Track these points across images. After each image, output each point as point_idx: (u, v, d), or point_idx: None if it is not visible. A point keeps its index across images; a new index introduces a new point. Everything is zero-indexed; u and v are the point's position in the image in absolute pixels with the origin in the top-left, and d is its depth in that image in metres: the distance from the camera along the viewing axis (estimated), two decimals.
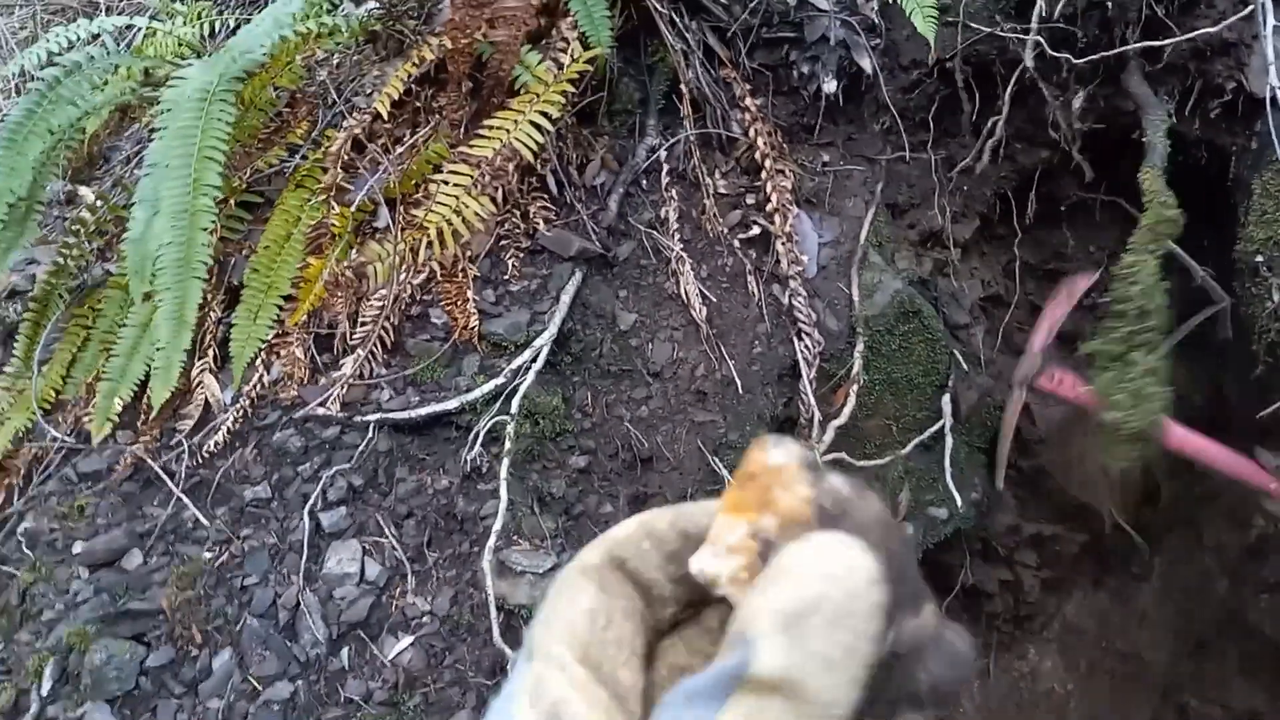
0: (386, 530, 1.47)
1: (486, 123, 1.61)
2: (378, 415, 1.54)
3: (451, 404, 1.53)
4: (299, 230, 1.66)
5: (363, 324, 1.61)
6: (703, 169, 1.82)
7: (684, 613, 0.39)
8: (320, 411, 1.55)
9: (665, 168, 1.81)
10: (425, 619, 1.41)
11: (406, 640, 1.39)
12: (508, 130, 1.58)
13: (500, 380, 1.55)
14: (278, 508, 1.51)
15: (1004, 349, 2.16)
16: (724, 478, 1.66)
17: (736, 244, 1.81)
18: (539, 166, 1.69)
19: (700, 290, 1.74)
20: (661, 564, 0.38)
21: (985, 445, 2.05)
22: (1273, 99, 1.54)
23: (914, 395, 1.87)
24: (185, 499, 1.53)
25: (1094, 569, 2.47)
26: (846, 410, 1.76)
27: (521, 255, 1.68)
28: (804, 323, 1.76)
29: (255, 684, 1.36)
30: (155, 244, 1.44)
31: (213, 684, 1.36)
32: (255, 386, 1.61)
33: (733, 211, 1.84)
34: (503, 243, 1.68)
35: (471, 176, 1.58)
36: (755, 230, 1.82)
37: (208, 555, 1.47)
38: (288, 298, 1.64)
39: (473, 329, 1.58)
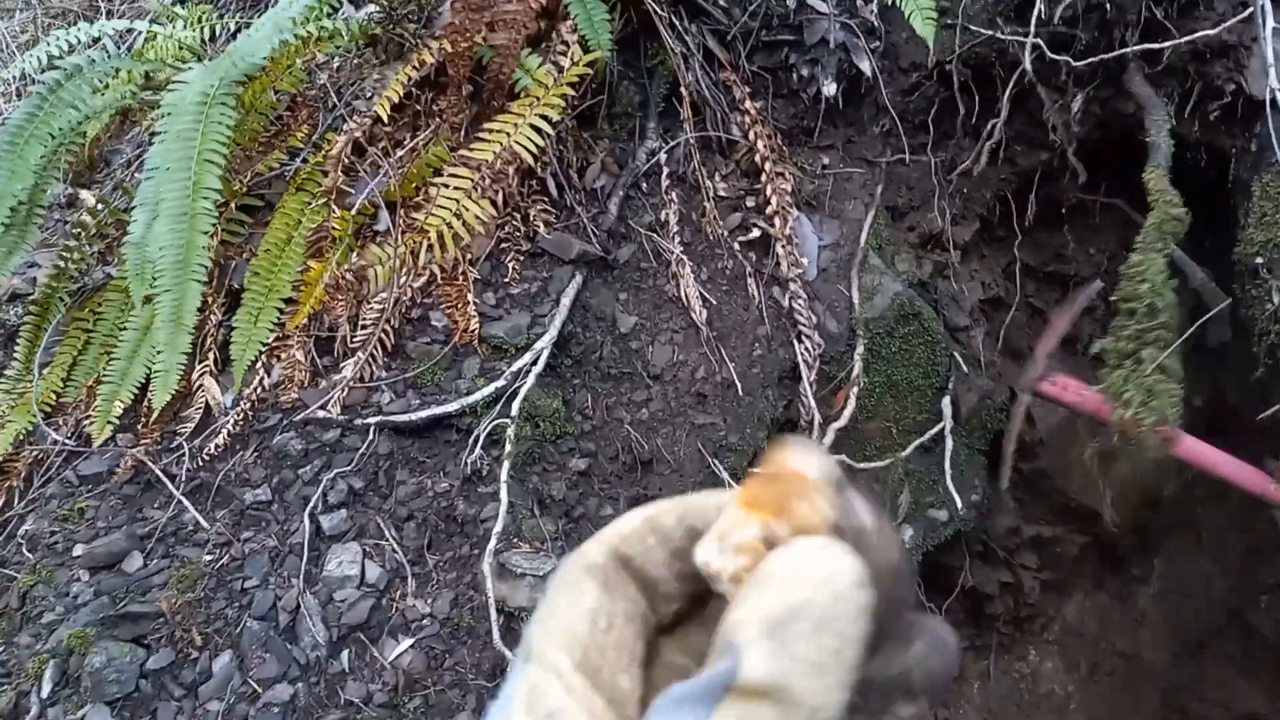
0: (387, 533, 1.47)
1: (487, 126, 1.61)
2: (378, 418, 1.54)
3: (452, 407, 1.53)
4: (299, 233, 1.66)
5: (363, 327, 1.61)
6: (703, 172, 1.83)
7: (688, 606, 0.39)
8: (321, 414, 1.55)
9: (665, 170, 1.81)
10: (425, 621, 1.41)
11: (407, 643, 1.39)
12: (508, 133, 1.58)
13: (500, 383, 1.55)
14: (278, 510, 1.51)
15: (1004, 351, 2.16)
16: (724, 480, 1.66)
17: (736, 246, 1.81)
18: (539, 169, 1.70)
19: (700, 293, 1.75)
20: (668, 561, 0.38)
21: (985, 447, 2.05)
22: (1272, 101, 1.54)
23: (914, 397, 1.87)
24: (186, 502, 1.53)
25: (1094, 571, 2.48)
26: (847, 412, 1.77)
27: (522, 258, 1.68)
28: (804, 325, 1.76)
29: (255, 686, 1.36)
30: (155, 247, 1.45)
31: (213, 686, 1.36)
32: (256, 389, 1.61)
33: (733, 214, 1.84)
34: (503, 246, 1.68)
35: (472, 180, 1.58)
36: (755, 233, 1.82)
37: (208, 558, 1.47)
38: (288, 301, 1.64)
39: (473, 332, 1.59)
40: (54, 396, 1.73)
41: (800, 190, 1.86)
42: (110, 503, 1.57)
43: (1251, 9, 1.61)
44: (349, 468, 1.52)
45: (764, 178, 1.80)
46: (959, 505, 1.87)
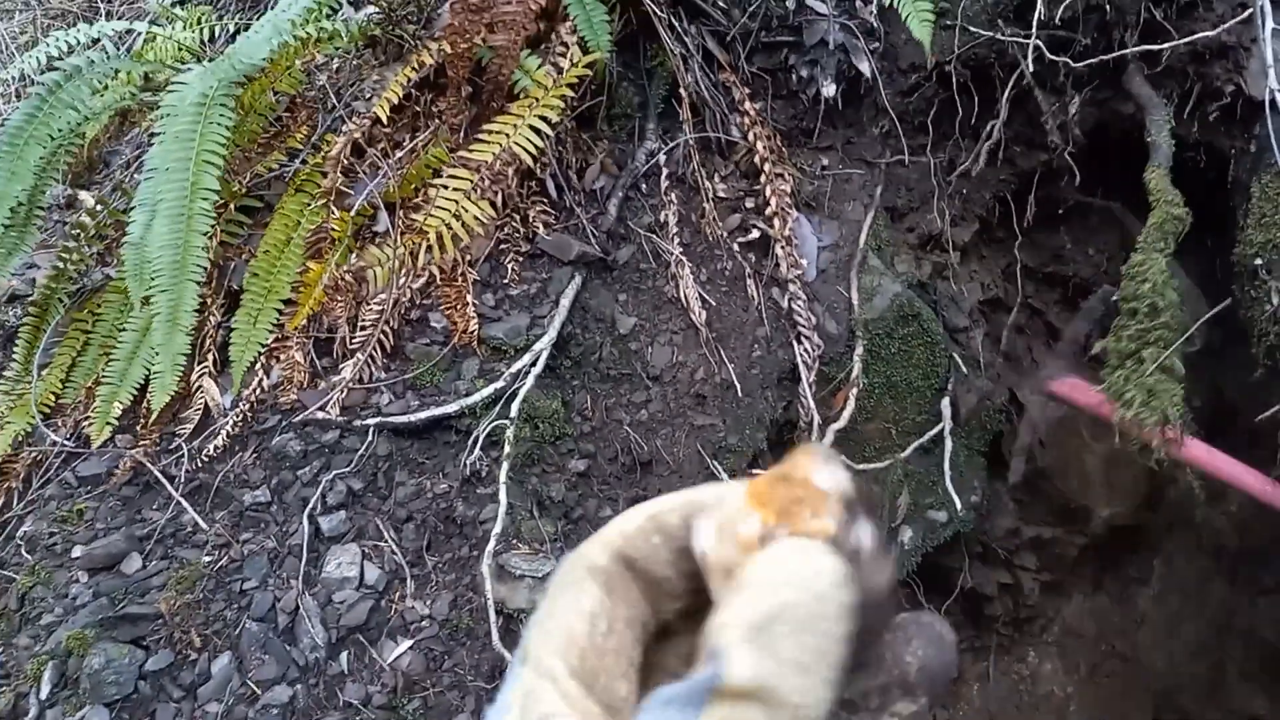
0: (386, 534, 1.47)
1: (486, 127, 1.61)
2: (377, 419, 1.54)
3: (451, 408, 1.53)
4: (299, 234, 1.66)
5: (362, 328, 1.61)
6: (702, 173, 1.83)
7: (692, 603, 0.39)
8: (320, 415, 1.55)
9: (665, 171, 1.81)
10: (424, 623, 1.41)
11: (406, 644, 1.39)
12: (507, 134, 1.58)
13: (500, 384, 1.55)
14: (277, 512, 1.51)
15: (1004, 352, 2.16)
16: (723, 482, 1.66)
17: (736, 248, 1.81)
18: (538, 171, 1.70)
19: (700, 294, 1.74)
20: (672, 559, 0.38)
21: (985, 449, 2.05)
22: (1271, 102, 1.54)
23: (913, 398, 1.87)
24: (185, 503, 1.53)
25: (1093, 572, 2.48)
26: (846, 413, 1.77)
27: (521, 259, 1.68)
28: (803, 326, 1.76)
29: (254, 688, 1.36)
30: (153, 247, 1.45)
31: (211, 688, 1.36)
32: (255, 390, 1.61)
33: (732, 215, 1.84)
34: (502, 247, 1.68)
35: (471, 181, 1.58)
36: (754, 234, 1.82)
37: (207, 559, 1.47)
38: (287, 302, 1.64)
39: (472, 333, 1.59)
40: (53, 397, 1.73)
41: (799, 191, 1.86)
42: (109, 504, 1.57)
43: (1251, 10, 1.61)
44: (348, 469, 1.52)
45: (763, 179, 1.80)
46: (958, 506, 1.87)
